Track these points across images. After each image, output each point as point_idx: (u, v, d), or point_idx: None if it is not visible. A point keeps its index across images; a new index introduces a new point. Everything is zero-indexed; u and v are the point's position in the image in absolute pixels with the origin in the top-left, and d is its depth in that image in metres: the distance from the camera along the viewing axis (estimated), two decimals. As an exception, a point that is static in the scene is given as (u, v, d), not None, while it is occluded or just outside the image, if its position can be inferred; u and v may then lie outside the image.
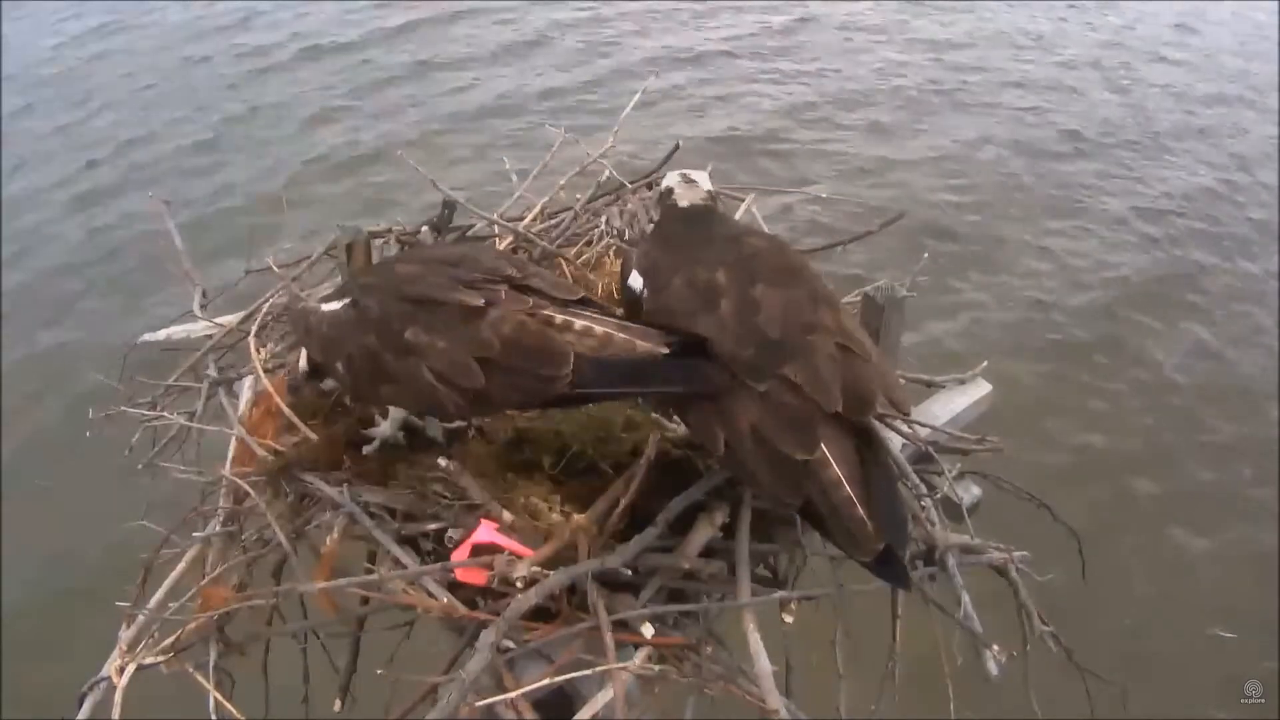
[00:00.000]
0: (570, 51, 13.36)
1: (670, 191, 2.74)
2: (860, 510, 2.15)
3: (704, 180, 2.75)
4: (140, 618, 2.62)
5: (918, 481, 2.92)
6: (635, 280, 2.56)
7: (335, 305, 2.61)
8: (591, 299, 2.58)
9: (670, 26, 14.28)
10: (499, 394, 2.37)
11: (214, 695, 2.47)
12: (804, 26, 14.26)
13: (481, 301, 2.37)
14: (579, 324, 2.37)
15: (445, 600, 2.41)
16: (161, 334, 3.62)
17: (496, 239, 3.72)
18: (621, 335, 2.34)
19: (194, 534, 2.84)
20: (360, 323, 2.51)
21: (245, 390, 3.17)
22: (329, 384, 2.89)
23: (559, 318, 2.38)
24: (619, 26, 14.18)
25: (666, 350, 2.29)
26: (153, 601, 2.70)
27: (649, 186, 3.96)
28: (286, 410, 2.91)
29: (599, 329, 2.35)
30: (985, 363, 3.43)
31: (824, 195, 4.97)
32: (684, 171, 2.80)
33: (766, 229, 3.71)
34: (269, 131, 11.65)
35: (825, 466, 2.18)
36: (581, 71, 12.66)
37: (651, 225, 2.81)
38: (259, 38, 14.17)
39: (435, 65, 13.14)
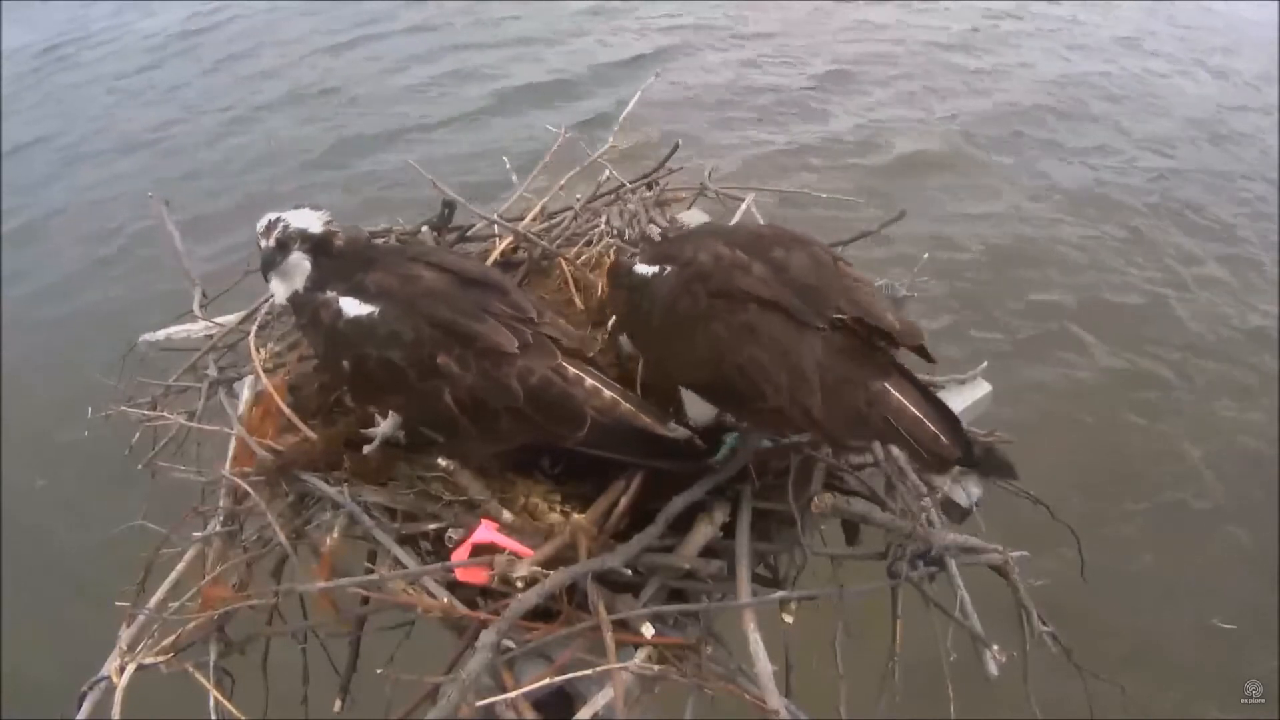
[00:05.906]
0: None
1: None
2: (932, 427, 2.29)
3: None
4: (140, 617, 2.62)
5: (917, 481, 2.91)
6: (643, 267, 2.56)
7: (360, 309, 2.56)
8: (587, 354, 2.69)
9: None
10: (511, 434, 2.53)
11: (214, 695, 2.47)
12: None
13: (515, 346, 2.48)
14: (589, 382, 2.53)
15: (445, 600, 2.41)
16: (161, 334, 3.60)
17: (497, 238, 3.72)
18: (626, 405, 2.52)
19: (194, 534, 2.84)
20: (389, 337, 2.51)
21: (245, 390, 3.16)
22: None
23: (572, 372, 2.53)
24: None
25: (664, 431, 2.50)
26: (153, 601, 2.69)
27: (649, 186, 3.96)
28: (286, 410, 2.90)
29: (607, 393, 2.53)
30: (985, 363, 3.42)
31: (823, 195, 4.91)
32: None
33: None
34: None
35: (887, 394, 2.30)
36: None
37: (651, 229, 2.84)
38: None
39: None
